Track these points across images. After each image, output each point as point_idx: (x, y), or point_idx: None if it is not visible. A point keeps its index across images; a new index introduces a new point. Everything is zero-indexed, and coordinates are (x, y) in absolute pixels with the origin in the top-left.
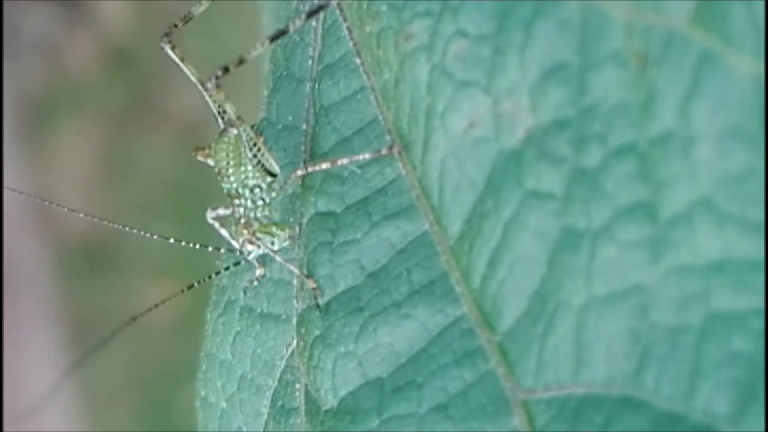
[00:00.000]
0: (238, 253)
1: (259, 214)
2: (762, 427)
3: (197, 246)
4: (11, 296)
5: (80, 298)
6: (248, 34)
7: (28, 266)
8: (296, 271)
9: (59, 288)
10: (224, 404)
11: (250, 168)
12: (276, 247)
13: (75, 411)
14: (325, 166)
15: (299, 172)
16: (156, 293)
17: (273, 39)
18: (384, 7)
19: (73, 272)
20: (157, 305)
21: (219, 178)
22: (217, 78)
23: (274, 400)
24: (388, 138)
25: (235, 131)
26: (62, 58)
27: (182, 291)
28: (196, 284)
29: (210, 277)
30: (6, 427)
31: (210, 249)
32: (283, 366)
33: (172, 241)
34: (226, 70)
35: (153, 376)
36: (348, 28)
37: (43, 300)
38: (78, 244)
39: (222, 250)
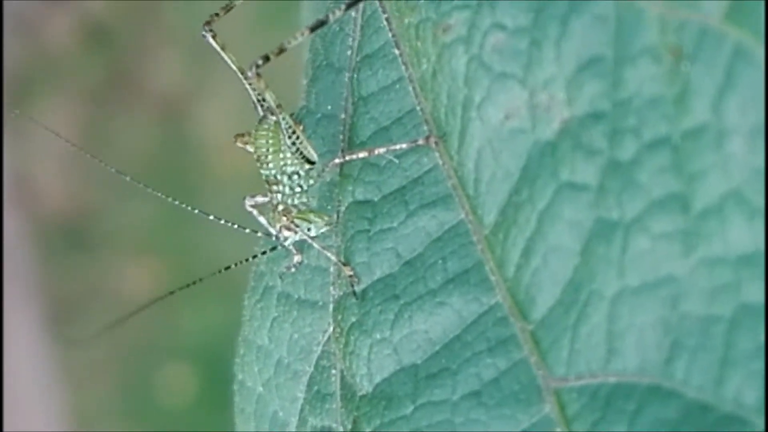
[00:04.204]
0: (275, 239)
1: (296, 201)
2: None
3: (235, 226)
4: None
5: (61, 276)
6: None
7: (7, 244)
8: (333, 258)
9: (39, 266)
10: (261, 388)
11: (288, 155)
12: (313, 234)
13: (53, 388)
14: (362, 155)
15: (337, 161)
16: (137, 270)
17: (313, 29)
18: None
19: (53, 250)
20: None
21: (258, 164)
22: (257, 67)
23: (310, 385)
24: (425, 128)
25: (274, 118)
26: (40, 34)
27: (219, 272)
28: (233, 266)
29: (246, 260)
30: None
31: (247, 231)
32: (319, 352)
33: (211, 218)
34: (266, 59)
35: (133, 353)
36: (387, 19)
37: (23, 278)
38: (58, 221)
39: (259, 234)
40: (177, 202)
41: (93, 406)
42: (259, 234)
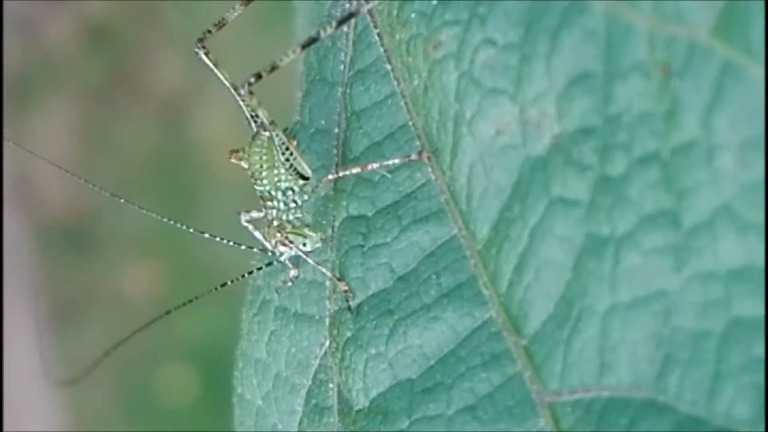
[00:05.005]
0: (270, 254)
1: (291, 217)
2: None
3: (231, 243)
4: None
5: (61, 277)
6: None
7: (9, 245)
8: (328, 273)
9: (39, 267)
10: (260, 402)
11: (282, 171)
12: (308, 249)
13: (50, 389)
14: (356, 170)
15: (331, 176)
16: (137, 272)
17: (305, 46)
18: (413, 15)
19: (53, 251)
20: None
21: (252, 180)
22: (250, 84)
23: (308, 399)
24: (417, 143)
25: (267, 134)
26: (41, 35)
27: (215, 289)
28: (229, 282)
29: (243, 276)
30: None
31: (243, 247)
32: (316, 365)
33: (207, 236)
34: (258, 76)
35: (133, 354)
36: (379, 35)
37: (23, 278)
38: (58, 222)
39: (255, 250)
40: (172, 222)
41: (93, 407)
42: (255, 249)
